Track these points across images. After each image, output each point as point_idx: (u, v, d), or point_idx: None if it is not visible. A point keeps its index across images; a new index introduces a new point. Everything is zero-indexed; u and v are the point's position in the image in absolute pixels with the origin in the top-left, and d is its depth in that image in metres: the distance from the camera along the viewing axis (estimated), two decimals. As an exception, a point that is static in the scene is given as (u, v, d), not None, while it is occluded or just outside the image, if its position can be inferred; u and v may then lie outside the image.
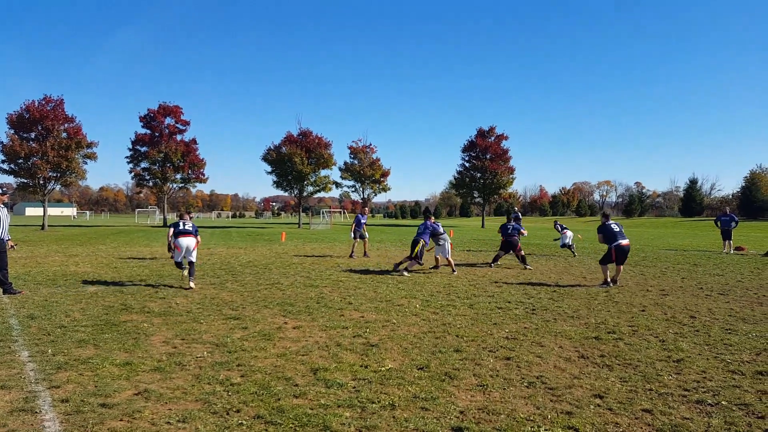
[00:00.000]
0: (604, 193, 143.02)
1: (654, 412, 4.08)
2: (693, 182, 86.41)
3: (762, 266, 14.99)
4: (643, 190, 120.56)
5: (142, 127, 50.50)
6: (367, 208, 21.09)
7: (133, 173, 50.91)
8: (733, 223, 20.56)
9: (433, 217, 14.12)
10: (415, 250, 12.67)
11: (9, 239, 9.36)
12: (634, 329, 6.94)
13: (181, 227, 10.45)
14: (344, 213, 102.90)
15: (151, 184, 50.82)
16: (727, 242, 20.58)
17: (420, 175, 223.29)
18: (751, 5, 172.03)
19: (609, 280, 11.02)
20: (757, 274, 13.23)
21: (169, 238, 10.68)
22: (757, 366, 5.28)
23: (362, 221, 17.80)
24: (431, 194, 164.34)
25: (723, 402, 4.29)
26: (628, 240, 11.04)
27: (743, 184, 76.76)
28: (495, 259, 14.95)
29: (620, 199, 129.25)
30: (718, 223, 21.06)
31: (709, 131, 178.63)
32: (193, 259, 10.34)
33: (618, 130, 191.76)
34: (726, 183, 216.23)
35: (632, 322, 7.36)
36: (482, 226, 55.45)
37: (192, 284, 10.08)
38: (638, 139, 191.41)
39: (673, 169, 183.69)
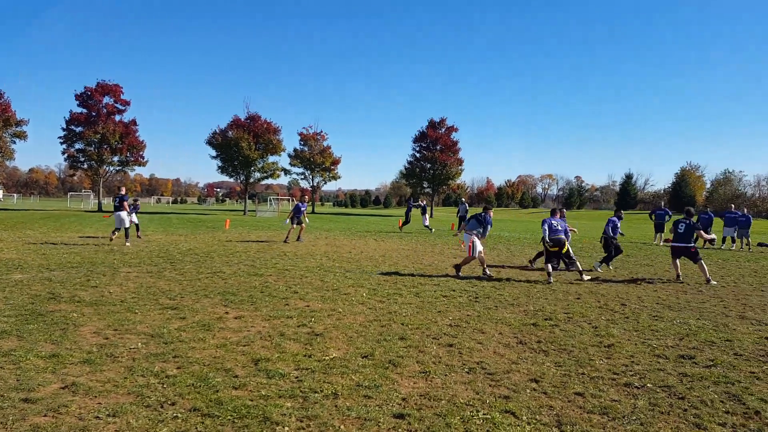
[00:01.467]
0: (546, 186, 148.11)
1: (585, 395, 4.25)
2: (628, 177, 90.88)
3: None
4: (583, 184, 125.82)
5: (78, 105, 47.88)
6: (306, 197, 21.81)
7: (66, 154, 48.23)
8: (667, 217, 21.80)
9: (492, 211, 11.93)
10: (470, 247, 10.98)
11: None
12: (570, 316, 7.22)
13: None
14: (293, 200, 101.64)
15: (86, 166, 48.36)
16: (658, 234, 21.75)
17: (371, 164, 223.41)
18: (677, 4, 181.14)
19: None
20: (682, 264, 14.03)
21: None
22: (679, 350, 5.61)
23: (302, 209, 18.60)
24: (382, 183, 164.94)
25: (648, 384, 4.52)
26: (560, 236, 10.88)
27: (674, 180, 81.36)
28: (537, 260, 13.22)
29: (561, 192, 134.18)
30: (653, 216, 22.23)
31: (645, 129, 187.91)
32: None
33: (561, 125, 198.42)
34: (659, 178, 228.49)
35: (568, 310, 7.65)
36: (431, 216, 56.20)
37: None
38: (580, 135, 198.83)
39: (611, 164, 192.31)
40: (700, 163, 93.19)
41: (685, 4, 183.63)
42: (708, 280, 10.63)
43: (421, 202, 21.57)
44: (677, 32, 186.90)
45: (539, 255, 12.97)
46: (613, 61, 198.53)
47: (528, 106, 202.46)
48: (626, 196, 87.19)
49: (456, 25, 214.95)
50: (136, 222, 17.88)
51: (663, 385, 4.51)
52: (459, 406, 3.93)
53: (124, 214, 15.21)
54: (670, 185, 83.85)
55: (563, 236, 10.85)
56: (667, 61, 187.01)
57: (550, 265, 10.70)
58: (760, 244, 22.15)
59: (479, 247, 11.01)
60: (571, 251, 10.88)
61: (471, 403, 4.02)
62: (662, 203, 24.59)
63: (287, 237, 18.18)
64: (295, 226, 18.34)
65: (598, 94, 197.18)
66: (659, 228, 21.81)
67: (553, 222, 11.00)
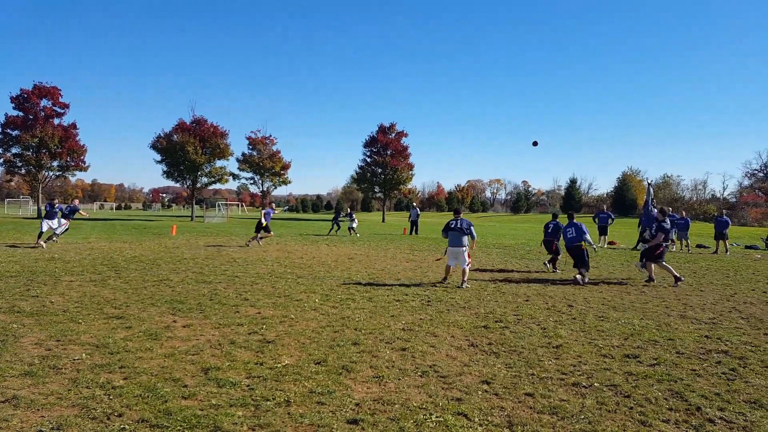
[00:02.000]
0: (495, 191, 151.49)
1: (535, 395, 4.40)
2: (573, 182, 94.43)
3: (631, 259, 16.69)
4: (529, 189, 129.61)
5: (14, 108, 45.26)
6: (274, 203, 22.96)
7: (2, 159, 45.54)
8: (610, 220, 22.81)
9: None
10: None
11: None
12: (519, 318, 7.44)
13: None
14: (242, 206, 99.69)
15: (23, 171, 45.75)
16: (602, 237, 22.69)
17: (322, 168, 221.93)
18: (620, 8, 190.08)
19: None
20: (627, 266, 14.72)
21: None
22: (624, 350, 5.88)
23: (270, 214, 19.39)
24: (333, 188, 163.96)
25: (596, 384, 4.73)
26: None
27: (616, 184, 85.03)
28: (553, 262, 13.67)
29: (509, 197, 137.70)
30: (596, 219, 23.14)
31: (588, 134, 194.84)
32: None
33: (508, 130, 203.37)
34: (602, 183, 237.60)
35: (517, 312, 7.88)
36: (383, 221, 56.40)
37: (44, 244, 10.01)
38: (526, 139, 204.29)
39: (556, 168, 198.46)
40: (640, 168, 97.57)
41: (624, 9, 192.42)
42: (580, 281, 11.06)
43: (349, 211, 23.42)
44: (619, 36, 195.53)
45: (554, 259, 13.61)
46: (555, 65, 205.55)
47: (476, 110, 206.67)
48: (571, 200, 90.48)
49: (402, 27, 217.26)
50: (63, 229, 17.68)
51: (609, 384, 4.72)
52: (412, 410, 4.00)
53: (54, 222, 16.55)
54: (612, 189, 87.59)
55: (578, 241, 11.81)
56: (611, 66, 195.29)
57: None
58: (698, 246, 23.45)
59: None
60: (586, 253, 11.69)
61: (424, 406, 4.09)
62: (604, 206, 25.62)
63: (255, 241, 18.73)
64: (264, 234, 18.84)
65: (542, 98, 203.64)
66: (603, 231, 22.77)
67: (567, 229, 12.07)
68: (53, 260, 12.83)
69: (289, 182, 65.63)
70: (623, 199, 79.52)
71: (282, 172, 63.63)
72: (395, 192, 61.92)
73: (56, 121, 46.26)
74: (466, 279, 10.27)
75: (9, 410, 3.74)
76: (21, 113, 45.11)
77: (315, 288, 9.66)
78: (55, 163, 46.42)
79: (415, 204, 26.87)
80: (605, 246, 22.36)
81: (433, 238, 25.47)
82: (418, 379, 4.73)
